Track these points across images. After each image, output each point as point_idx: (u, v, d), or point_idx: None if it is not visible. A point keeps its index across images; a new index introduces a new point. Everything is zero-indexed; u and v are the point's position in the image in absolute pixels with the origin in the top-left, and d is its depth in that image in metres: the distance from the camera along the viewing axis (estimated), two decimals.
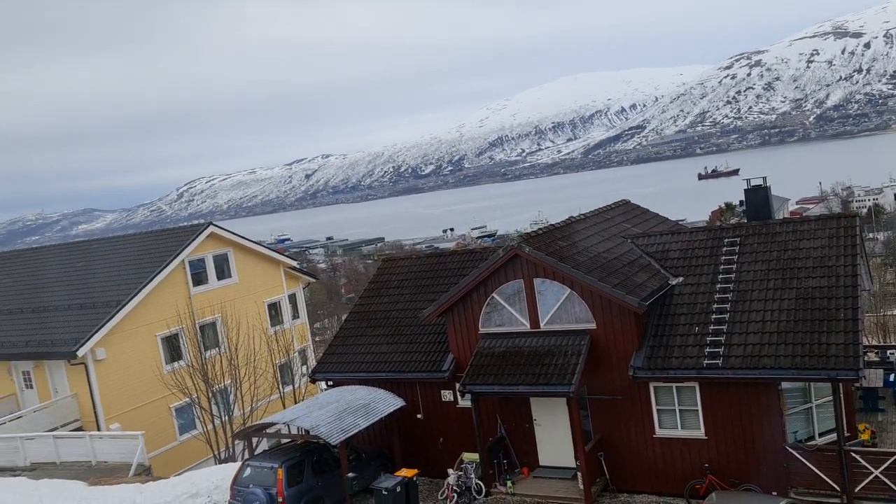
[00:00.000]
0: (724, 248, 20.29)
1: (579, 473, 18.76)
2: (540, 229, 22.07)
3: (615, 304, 18.56)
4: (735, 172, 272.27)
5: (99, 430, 28.21)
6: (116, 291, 31.14)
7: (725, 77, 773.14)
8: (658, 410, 18.66)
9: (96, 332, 28.74)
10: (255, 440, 21.42)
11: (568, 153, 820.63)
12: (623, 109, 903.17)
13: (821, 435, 17.65)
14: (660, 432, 18.66)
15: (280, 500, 18.42)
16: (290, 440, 20.93)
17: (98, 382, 28.93)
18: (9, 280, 37.85)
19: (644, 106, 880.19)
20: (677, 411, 18.44)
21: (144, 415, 29.33)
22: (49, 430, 27.66)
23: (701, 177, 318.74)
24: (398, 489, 18.08)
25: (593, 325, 19.01)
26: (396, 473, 18.98)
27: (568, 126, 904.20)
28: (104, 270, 34.14)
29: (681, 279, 19.99)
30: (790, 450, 17.17)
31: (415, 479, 18.87)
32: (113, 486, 22.60)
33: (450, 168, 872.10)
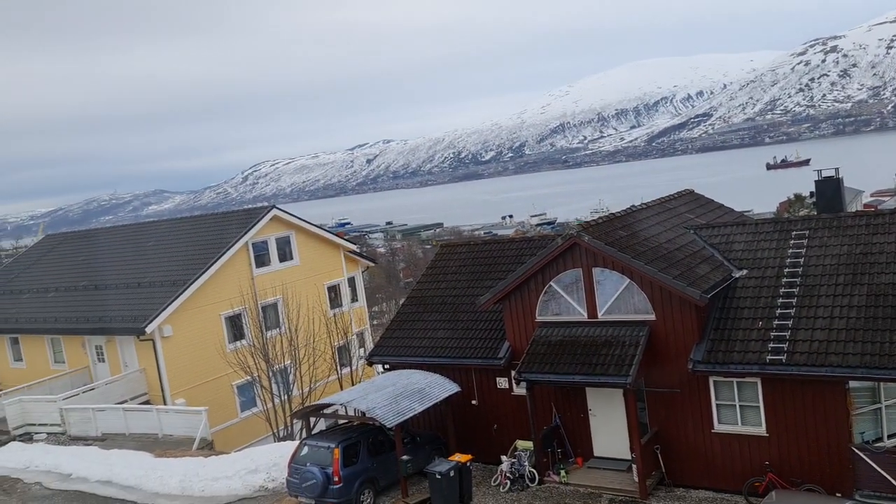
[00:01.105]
0: (792, 241, 19.71)
1: (634, 466, 18.58)
2: (600, 218, 21.82)
3: (676, 296, 18.23)
4: (806, 163, 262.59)
5: (165, 404, 29.26)
6: (183, 271, 32.15)
7: (798, 63, 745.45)
8: (717, 405, 18.30)
9: (163, 309, 29.76)
10: (312, 420, 21.85)
11: (631, 141, 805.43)
12: (689, 96, 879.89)
13: (889, 437, 16.99)
14: (719, 427, 18.30)
15: (336, 479, 18.80)
16: (346, 421, 21.31)
17: (165, 358, 29.98)
18: (83, 257, 39.49)
19: (711, 93, 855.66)
20: (737, 407, 18.05)
21: (208, 391, 30.28)
22: (119, 403, 28.85)
23: (769, 167, 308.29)
24: (451, 473, 18.24)
25: (652, 317, 18.72)
26: (450, 458, 19.15)
27: (631, 113, 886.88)
28: (172, 250, 35.29)
29: (745, 272, 19.50)
30: (856, 451, 16.62)
31: (468, 464, 19.01)
32: (177, 459, 23.45)
33: (510, 154, 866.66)
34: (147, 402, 29.81)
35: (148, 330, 29.24)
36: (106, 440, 27.01)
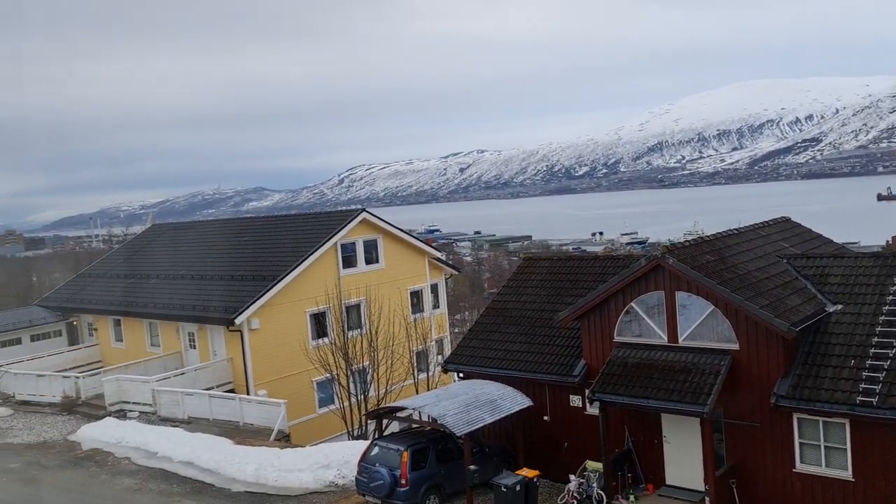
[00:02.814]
0: (894, 278, 18.67)
1: (707, 498, 18.01)
2: (687, 241, 21.32)
3: (762, 327, 17.60)
4: None
5: (248, 394, 30.37)
6: (275, 267, 33.34)
7: None
8: (800, 444, 17.53)
9: (253, 303, 30.94)
10: (385, 421, 22.21)
11: (732, 163, 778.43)
12: (797, 120, 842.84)
13: None
14: (800, 467, 17.52)
15: (403, 481, 19.06)
16: (418, 426, 21.57)
17: (251, 350, 31.16)
18: (185, 248, 41.58)
19: (822, 117, 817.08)
20: (822, 447, 17.23)
21: (289, 385, 31.24)
22: (206, 389, 30.15)
23: (881, 198, 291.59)
24: (518, 488, 18.17)
25: (736, 346, 18.13)
26: (518, 472, 19.09)
27: (734, 134, 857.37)
28: (266, 246, 36.68)
29: (839, 307, 18.61)
30: None
31: (536, 480, 18.90)
32: (255, 447, 24.30)
33: (604, 171, 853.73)
34: (231, 391, 31.03)
35: (237, 321, 30.47)
36: (191, 423, 28.26)
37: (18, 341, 40.54)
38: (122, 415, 30.25)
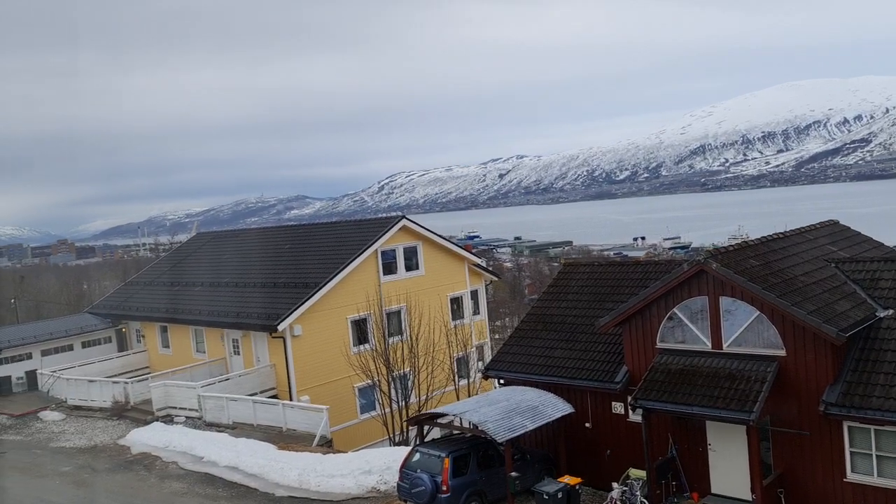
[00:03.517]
0: None
1: None
2: (731, 246, 20.97)
3: (810, 332, 17.21)
4: None
5: (291, 400, 30.72)
6: (316, 274, 33.72)
7: None
8: (851, 453, 17.08)
9: (295, 309, 31.32)
10: (426, 427, 22.26)
11: (777, 165, 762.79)
12: (846, 121, 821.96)
13: None
14: (852, 477, 17.06)
15: (444, 488, 19.07)
16: (459, 432, 21.57)
17: (293, 356, 31.52)
18: (229, 256, 42.29)
19: (871, 117, 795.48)
20: (874, 457, 16.75)
21: (331, 391, 31.52)
22: (249, 395, 30.59)
23: None
24: (560, 495, 18.08)
25: (782, 353, 17.75)
26: (560, 479, 18.97)
27: (780, 136, 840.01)
28: (307, 253, 37.12)
29: (891, 311, 18.12)
30: None
31: (578, 487, 18.76)
32: (298, 453, 24.58)
33: (646, 175, 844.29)
34: (274, 396, 31.43)
35: (280, 328, 30.88)
36: (236, 428, 28.70)
37: (70, 348, 41.74)
38: (169, 420, 30.85)
